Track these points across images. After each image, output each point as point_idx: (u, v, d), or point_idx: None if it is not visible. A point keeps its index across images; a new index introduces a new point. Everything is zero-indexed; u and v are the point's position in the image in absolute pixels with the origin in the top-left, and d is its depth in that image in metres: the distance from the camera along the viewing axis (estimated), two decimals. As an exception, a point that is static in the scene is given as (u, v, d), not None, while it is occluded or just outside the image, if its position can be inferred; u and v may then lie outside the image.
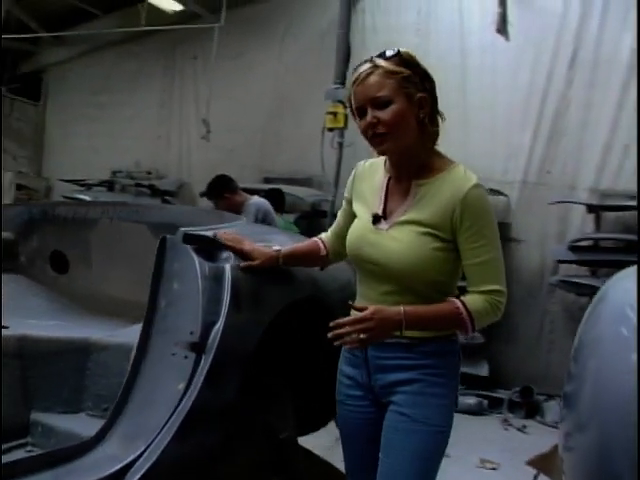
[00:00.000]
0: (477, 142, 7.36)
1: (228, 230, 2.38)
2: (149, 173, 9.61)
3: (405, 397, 1.96)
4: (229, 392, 2.20)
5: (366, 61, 1.95)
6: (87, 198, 8.18)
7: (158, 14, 8.89)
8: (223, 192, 5.37)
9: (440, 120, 2.00)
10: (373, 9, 8.38)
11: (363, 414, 2.09)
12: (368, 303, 1.97)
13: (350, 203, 2.19)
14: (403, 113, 1.90)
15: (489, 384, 6.46)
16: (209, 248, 2.31)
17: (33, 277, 3.48)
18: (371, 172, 2.14)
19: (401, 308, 1.88)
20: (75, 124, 10.35)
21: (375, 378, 2.02)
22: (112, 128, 10.00)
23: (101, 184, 9.41)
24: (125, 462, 1.98)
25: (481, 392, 6.46)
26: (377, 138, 1.94)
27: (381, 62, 1.91)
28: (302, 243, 2.39)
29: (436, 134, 1.99)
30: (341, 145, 5.27)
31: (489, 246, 1.92)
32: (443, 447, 2.01)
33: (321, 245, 2.32)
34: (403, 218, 1.97)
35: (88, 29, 9.88)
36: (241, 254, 2.29)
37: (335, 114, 5.29)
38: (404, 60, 1.91)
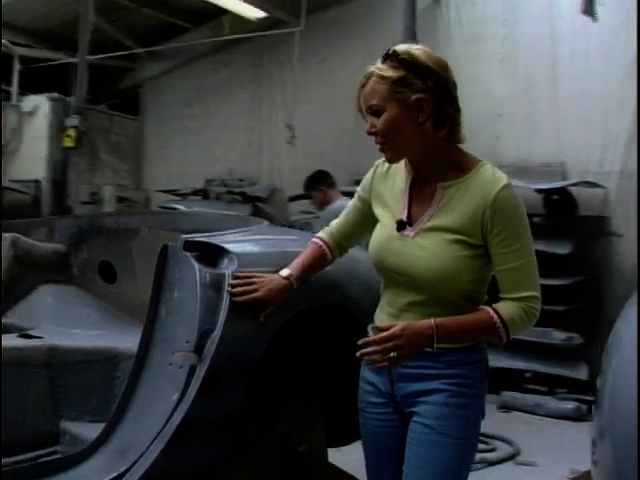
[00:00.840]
0: (570, 133, 7.05)
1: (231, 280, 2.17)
2: (241, 180, 9.73)
3: (429, 408, 1.85)
4: (228, 402, 2.14)
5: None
6: (181, 207, 8.36)
7: (245, 23, 8.98)
8: (319, 185, 5.61)
9: (456, 117, 1.83)
10: (458, 2, 8.19)
11: (385, 423, 1.98)
12: (392, 312, 1.92)
13: (365, 202, 2.09)
14: (394, 121, 1.79)
15: (588, 388, 6.07)
16: (210, 255, 2.24)
17: (84, 287, 3.55)
18: (391, 173, 2.01)
19: (432, 321, 1.78)
20: (171, 136, 10.65)
21: (398, 387, 1.92)
22: (205, 138, 10.21)
23: (195, 193, 9.62)
24: (115, 474, 1.97)
25: (579, 396, 6.17)
26: (380, 147, 1.86)
27: (376, 67, 1.81)
28: (306, 255, 2.19)
29: (453, 133, 1.84)
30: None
31: (523, 250, 1.80)
32: (470, 459, 1.92)
33: (325, 249, 2.18)
34: (430, 224, 1.85)
35: (180, 43, 10.12)
36: (256, 303, 2.13)
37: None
38: (400, 60, 1.78)
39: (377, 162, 2.07)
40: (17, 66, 9.76)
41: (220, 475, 2.18)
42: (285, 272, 2.12)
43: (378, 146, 1.87)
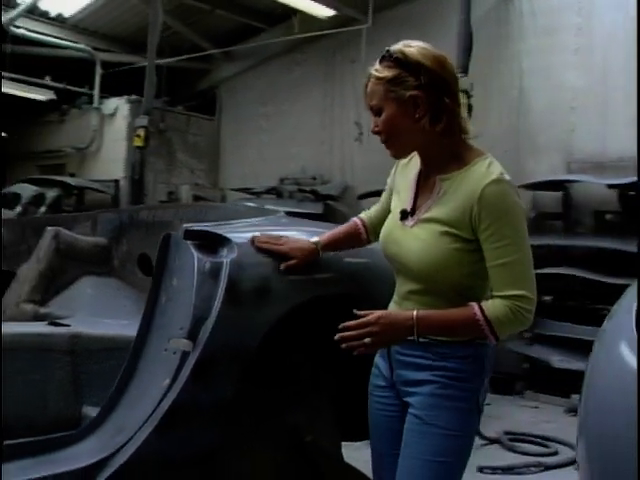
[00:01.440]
0: (651, 125, 6.69)
1: (262, 233, 2.30)
2: (314, 179, 9.77)
3: (419, 399, 1.89)
4: (221, 389, 2.14)
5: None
6: (252, 205, 8.46)
7: (316, 22, 9.02)
8: None
9: (456, 110, 1.84)
10: (532, -8, 7.94)
11: (387, 407, 2.01)
12: (396, 300, 1.98)
13: (390, 194, 2.14)
14: (392, 119, 1.84)
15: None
16: (211, 244, 2.26)
17: (124, 279, 3.64)
18: (410, 166, 2.05)
19: (414, 313, 1.82)
20: (246, 135, 10.80)
21: (397, 374, 1.96)
22: (279, 136, 10.30)
23: (269, 192, 9.71)
24: (102, 456, 2.02)
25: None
26: (385, 145, 1.92)
27: (374, 68, 1.86)
28: (340, 229, 2.32)
29: (452, 126, 1.84)
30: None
31: (512, 247, 1.78)
32: (460, 452, 1.90)
33: (360, 226, 2.27)
34: (426, 215, 1.89)
35: (255, 43, 10.25)
36: (279, 255, 2.24)
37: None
38: (395, 59, 1.82)
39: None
40: (99, 71, 10.13)
41: (221, 462, 2.19)
42: (314, 238, 2.24)
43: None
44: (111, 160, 10.13)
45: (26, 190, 8.74)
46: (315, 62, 9.95)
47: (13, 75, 9.43)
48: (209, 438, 2.14)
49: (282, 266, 2.21)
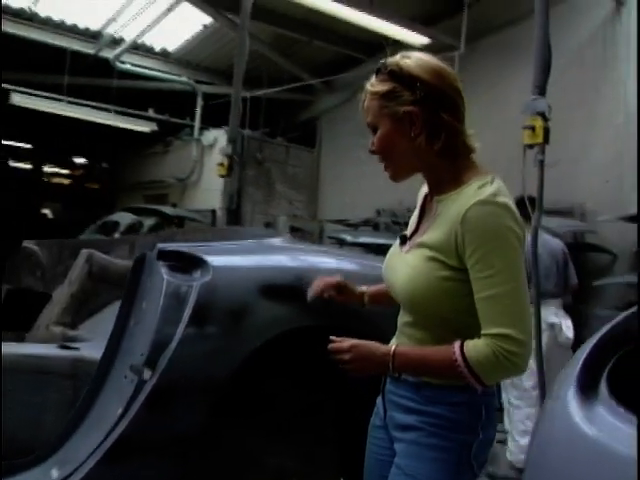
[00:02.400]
0: None
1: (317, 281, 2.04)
2: (409, 210, 9.48)
3: (403, 447, 1.71)
4: (184, 422, 1.97)
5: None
6: (349, 238, 8.32)
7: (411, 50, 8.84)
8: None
9: (458, 127, 1.67)
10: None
11: (381, 450, 1.84)
12: (397, 334, 1.82)
13: None
14: (387, 137, 1.70)
15: None
16: (185, 265, 2.11)
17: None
18: (423, 191, 1.89)
19: (392, 347, 1.67)
20: (344, 166, 10.67)
21: (389, 415, 1.80)
22: (377, 168, 9.90)
23: (365, 223, 9.54)
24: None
25: None
26: (383, 165, 1.79)
27: (369, 82, 1.73)
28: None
29: (453, 144, 1.67)
30: (542, 163, 4.60)
31: (498, 277, 1.56)
32: None
33: None
34: (419, 240, 1.72)
35: (355, 74, 10.17)
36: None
37: (533, 128, 4.64)
38: (389, 73, 1.68)
39: None
40: (200, 102, 10.36)
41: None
42: (363, 287, 2.06)
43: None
44: (210, 190, 10.29)
45: (125, 218, 9.01)
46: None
47: (118, 108, 9.79)
48: (168, 474, 1.97)
49: (308, 296, 2.00)
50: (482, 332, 1.57)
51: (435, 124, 1.64)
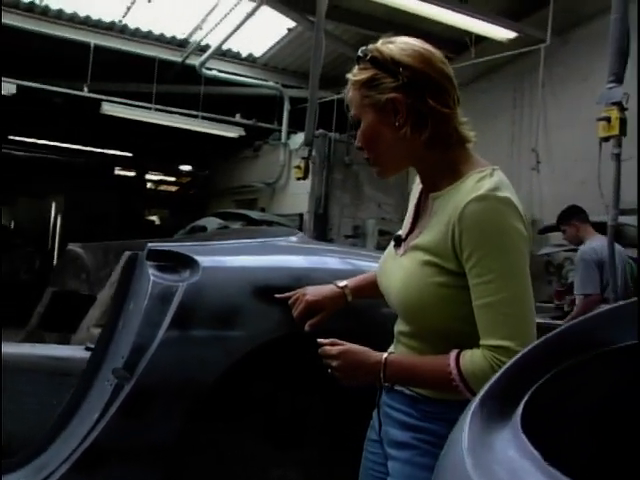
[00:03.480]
0: None
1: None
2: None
3: (396, 465, 1.58)
4: (162, 429, 1.88)
5: None
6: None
7: (499, 47, 8.52)
8: (572, 219, 5.53)
9: (448, 114, 1.52)
10: None
11: (375, 466, 1.72)
12: (394, 342, 1.70)
13: None
14: (370, 129, 1.58)
15: None
16: (174, 265, 2.03)
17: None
18: (418, 187, 1.75)
19: (383, 356, 1.56)
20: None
21: (383, 430, 1.66)
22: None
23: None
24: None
25: None
26: (369, 163, 1.65)
27: (352, 72, 1.59)
28: (373, 272, 1.96)
29: (442, 133, 1.53)
30: (618, 157, 4.26)
31: (498, 282, 1.41)
32: None
33: None
34: (415, 241, 1.59)
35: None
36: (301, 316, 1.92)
37: (608, 119, 4.32)
38: (371, 59, 1.54)
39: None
40: (287, 106, 10.37)
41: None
42: (341, 282, 1.93)
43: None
44: (297, 194, 10.28)
45: (212, 223, 9.12)
46: (502, 89, 9.39)
47: (205, 114, 9.94)
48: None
49: (307, 325, 1.88)
50: (480, 343, 1.44)
51: (421, 111, 1.50)
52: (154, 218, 21.19)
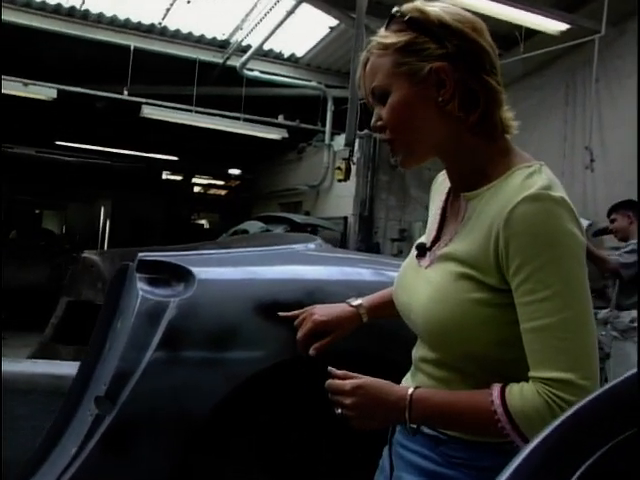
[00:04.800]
0: None
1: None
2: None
3: None
4: (147, 465, 1.66)
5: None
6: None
7: (551, 40, 8.14)
8: (628, 210, 5.08)
9: (496, 97, 1.27)
10: None
11: None
12: (412, 370, 1.43)
13: None
14: (405, 103, 1.27)
15: None
16: (168, 278, 1.80)
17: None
18: (444, 185, 1.47)
19: (409, 391, 1.26)
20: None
21: (396, 476, 1.38)
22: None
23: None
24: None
25: None
26: (390, 147, 1.35)
27: (377, 36, 1.31)
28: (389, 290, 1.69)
29: (491, 118, 1.27)
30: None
31: (555, 301, 1.14)
32: None
33: None
34: (445, 250, 1.31)
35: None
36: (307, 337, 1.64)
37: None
38: (409, 21, 1.26)
39: (437, 176, 1.55)
40: (331, 107, 10.13)
41: None
42: (355, 301, 1.66)
43: None
44: (342, 197, 10.02)
45: (253, 227, 8.92)
46: (554, 85, 8.97)
47: (247, 116, 9.77)
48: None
49: (311, 350, 1.59)
50: (530, 374, 1.17)
51: (472, 87, 1.24)
52: (203, 222, 21.26)
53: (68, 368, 2.39)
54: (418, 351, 1.38)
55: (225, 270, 1.89)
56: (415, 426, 1.26)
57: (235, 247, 3.08)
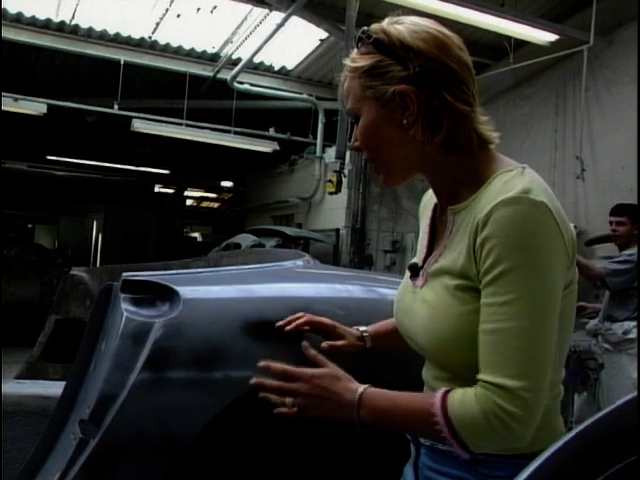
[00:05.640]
0: None
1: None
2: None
3: None
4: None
5: None
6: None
7: (539, 51, 8.18)
8: (627, 215, 4.92)
9: (466, 112, 1.25)
10: None
11: None
12: (427, 390, 1.37)
13: None
14: (372, 127, 1.29)
15: None
16: (153, 298, 1.77)
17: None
18: (430, 203, 1.47)
19: (360, 388, 1.27)
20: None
21: None
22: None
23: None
24: None
25: None
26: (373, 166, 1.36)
27: (349, 58, 1.32)
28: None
29: (461, 136, 1.25)
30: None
31: (515, 307, 1.12)
32: None
33: None
34: (435, 266, 1.30)
35: (486, 80, 9.57)
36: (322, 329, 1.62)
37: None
38: (375, 42, 1.26)
39: (426, 193, 1.53)
40: (322, 119, 10.14)
41: None
42: (361, 327, 1.64)
43: None
44: (334, 209, 10.01)
45: (245, 240, 8.93)
46: (544, 95, 9.00)
47: (238, 129, 9.76)
48: None
49: (324, 345, 1.54)
50: (477, 376, 1.15)
51: (435, 108, 1.23)
52: (196, 235, 21.21)
53: (56, 388, 2.37)
54: (429, 371, 1.36)
55: (211, 289, 1.86)
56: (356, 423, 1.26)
57: (223, 264, 3.06)
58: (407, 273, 1.40)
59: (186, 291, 1.76)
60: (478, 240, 1.16)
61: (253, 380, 1.40)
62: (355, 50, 1.31)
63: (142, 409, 1.62)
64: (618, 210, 5.12)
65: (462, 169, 1.27)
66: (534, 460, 0.68)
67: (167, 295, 1.76)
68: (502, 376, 1.11)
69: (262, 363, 1.42)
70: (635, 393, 0.74)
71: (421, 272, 1.34)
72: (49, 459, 1.73)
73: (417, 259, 1.41)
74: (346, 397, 1.27)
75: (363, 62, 1.27)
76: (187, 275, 1.93)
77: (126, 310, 1.72)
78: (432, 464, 1.31)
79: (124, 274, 1.80)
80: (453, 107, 1.23)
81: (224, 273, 1.98)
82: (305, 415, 1.31)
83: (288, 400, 1.31)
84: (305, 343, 1.39)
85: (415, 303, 1.32)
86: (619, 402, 0.72)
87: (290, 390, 1.32)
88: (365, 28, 1.28)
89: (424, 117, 1.24)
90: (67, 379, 1.81)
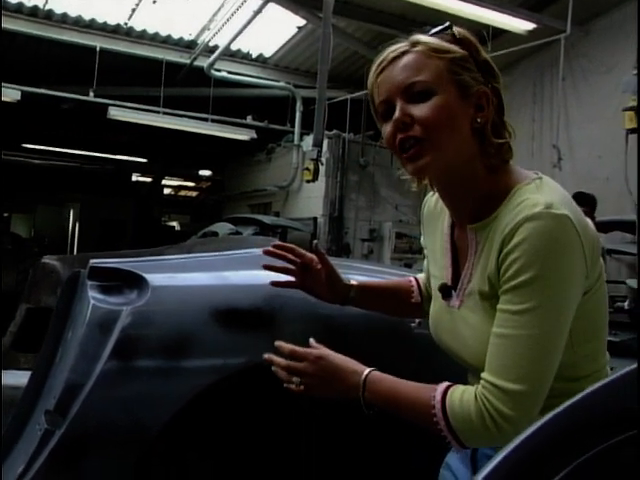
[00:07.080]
0: None
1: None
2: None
3: None
4: (98, 482, 1.58)
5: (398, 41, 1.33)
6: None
7: (516, 39, 8.17)
8: (587, 205, 5.17)
9: (509, 135, 1.34)
10: None
11: None
12: None
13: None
14: (450, 110, 1.26)
15: None
16: (121, 285, 1.74)
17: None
18: (439, 212, 1.48)
19: (365, 371, 1.31)
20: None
21: None
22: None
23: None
24: None
25: None
26: (410, 148, 1.26)
27: (423, 38, 1.30)
28: (388, 281, 1.77)
29: (502, 149, 1.30)
30: (648, 151, 3.93)
31: (528, 316, 1.16)
32: None
33: (414, 288, 1.67)
34: (469, 287, 1.33)
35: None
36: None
37: (636, 109, 3.98)
38: (459, 40, 1.29)
39: (426, 198, 1.57)
40: (300, 107, 10.09)
41: None
42: (351, 281, 1.66)
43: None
44: (311, 197, 9.98)
45: (223, 229, 8.85)
46: (522, 84, 9.02)
47: (216, 117, 9.69)
48: None
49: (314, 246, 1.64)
50: (481, 374, 1.22)
51: (499, 118, 1.32)
52: (174, 224, 21.08)
53: (26, 378, 2.33)
54: (474, 377, 1.34)
55: (180, 276, 1.83)
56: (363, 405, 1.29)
57: (195, 252, 3.02)
58: (437, 294, 1.41)
59: (155, 278, 1.74)
60: (502, 255, 1.19)
61: (265, 355, 1.40)
62: (426, 35, 1.30)
63: (109, 398, 1.60)
64: (580, 200, 5.20)
65: (486, 184, 1.30)
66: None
67: (135, 282, 1.73)
68: (504, 379, 1.16)
69: (276, 343, 1.42)
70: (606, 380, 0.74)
71: (454, 292, 1.36)
72: (13, 451, 1.69)
73: (437, 273, 1.43)
74: (352, 379, 1.30)
75: (451, 47, 1.27)
76: (156, 262, 1.90)
77: (93, 298, 1.70)
78: (491, 453, 1.29)
79: (91, 261, 1.77)
80: (507, 127, 1.33)
81: (193, 260, 1.95)
82: (311, 393, 1.36)
83: (295, 379, 1.34)
84: (278, 343, 1.41)
85: (456, 324, 1.35)
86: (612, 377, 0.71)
87: (296, 369, 1.35)
88: (449, 23, 1.32)
89: (492, 123, 1.29)
90: (33, 369, 1.78)
